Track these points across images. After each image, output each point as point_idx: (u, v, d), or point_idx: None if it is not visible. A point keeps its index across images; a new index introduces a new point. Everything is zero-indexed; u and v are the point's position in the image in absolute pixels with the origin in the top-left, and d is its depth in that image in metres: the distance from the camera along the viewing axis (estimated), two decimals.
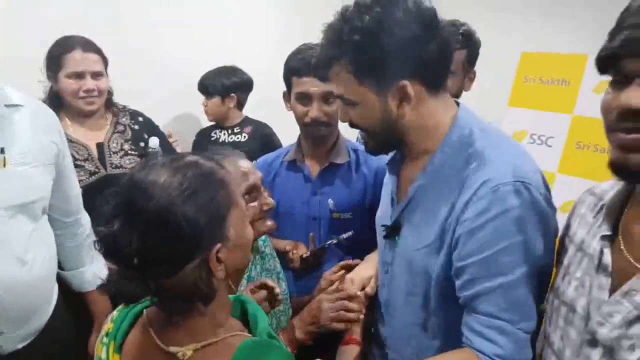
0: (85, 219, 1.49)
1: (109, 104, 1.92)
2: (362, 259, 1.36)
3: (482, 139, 0.94)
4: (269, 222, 1.23)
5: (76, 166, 1.67)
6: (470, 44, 1.76)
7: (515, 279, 0.86)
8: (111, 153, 1.84)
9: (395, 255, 1.05)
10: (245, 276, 1.25)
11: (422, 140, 0.98)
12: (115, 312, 0.89)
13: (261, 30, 2.96)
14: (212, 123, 2.60)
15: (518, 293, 0.86)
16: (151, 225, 0.71)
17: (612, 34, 0.66)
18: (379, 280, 1.18)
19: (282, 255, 1.52)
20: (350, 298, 1.16)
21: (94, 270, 1.47)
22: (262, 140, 2.49)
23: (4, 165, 1.17)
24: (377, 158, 1.52)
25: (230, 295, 0.91)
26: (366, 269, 1.26)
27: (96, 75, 1.78)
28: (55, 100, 1.78)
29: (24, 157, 1.22)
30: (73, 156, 1.71)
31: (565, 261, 0.83)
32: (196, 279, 0.75)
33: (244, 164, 1.19)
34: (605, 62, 0.67)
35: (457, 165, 0.93)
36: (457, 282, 0.91)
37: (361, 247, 1.54)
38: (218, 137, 2.54)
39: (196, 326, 0.79)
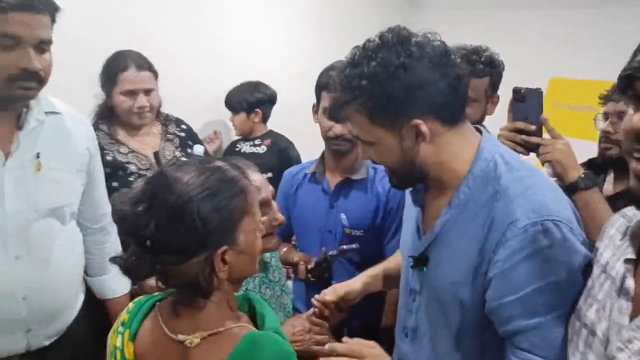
0: (113, 228, 1.50)
1: (157, 114, 2.02)
2: None
3: (506, 175, 0.93)
4: (275, 240, 1.27)
5: (140, 176, 1.79)
6: (493, 70, 1.76)
7: (550, 319, 0.87)
8: (167, 161, 1.93)
9: (424, 285, 1.06)
10: (243, 288, 1.26)
11: (444, 175, 0.98)
12: (131, 304, 0.95)
13: (286, 42, 3.05)
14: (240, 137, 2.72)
15: (554, 332, 0.87)
16: (168, 216, 0.79)
17: (634, 55, 0.67)
18: (401, 304, 1.18)
19: (292, 266, 1.57)
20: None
21: (115, 279, 1.50)
22: (279, 153, 2.58)
23: (39, 169, 1.23)
24: None
25: (237, 294, 0.97)
26: (345, 286, 1.30)
27: (148, 92, 1.88)
28: (109, 113, 1.90)
29: (58, 162, 1.28)
30: (136, 166, 1.84)
31: (589, 282, 0.82)
32: (198, 273, 0.82)
33: (257, 177, 1.21)
34: (624, 82, 0.67)
35: (483, 200, 0.94)
36: (494, 319, 0.93)
37: (370, 263, 1.58)
38: (240, 148, 2.64)
39: (202, 317, 0.85)
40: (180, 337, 0.84)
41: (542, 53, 3.19)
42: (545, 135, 1.28)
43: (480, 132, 1.03)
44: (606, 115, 1.44)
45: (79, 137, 1.36)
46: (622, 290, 0.72)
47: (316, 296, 1.29)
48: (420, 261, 1.05)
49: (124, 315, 0.94)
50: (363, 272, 1.35)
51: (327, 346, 1.08)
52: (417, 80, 0.90)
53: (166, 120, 2.05)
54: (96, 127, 1.86)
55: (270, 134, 2.69)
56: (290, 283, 1.65)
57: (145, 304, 0.94)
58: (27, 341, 1.27)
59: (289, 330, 1.20)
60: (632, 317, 0.69)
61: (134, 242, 0.83)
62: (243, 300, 0.98)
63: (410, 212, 1.15)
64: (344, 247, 1.47)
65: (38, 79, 1.16)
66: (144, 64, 1.90)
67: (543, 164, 1.27)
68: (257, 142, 2.66)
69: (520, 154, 1.23)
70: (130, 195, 0.84)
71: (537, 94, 1.28)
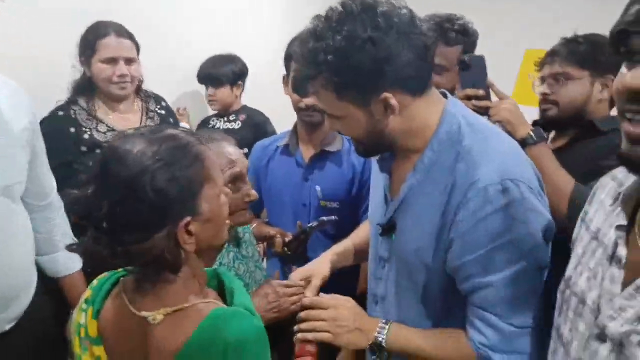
0: (58, 203, 1.47)
1: (138, 90, 1.94)
2: None
3: (469, 136, 0.94)
4: (248, 215, 1.24)
5: None
6: (466, 39, 1.72)
7: (506, 277, 0.89)
8: None
9: (392, 252, 1.07)
10: (217, 263, 1.24)
11: (410, 141, 0.98)
12: (95, 281, 0.91)
13: (258, 17, 2.97)
14: (215, 112, 2.62)
15: (509, 290, 0.90)
16: (121, 192, 0.74)
17: (627, 9, 0.63)
18: (370, 272, 1.19)
19: (267, 240, 1.55)
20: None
21: (67, 255, 1.40)
22: (255, 128, 2.50)
23: None
24: None
25: (207, 268, 0.93)
26: (308, 268, 1.27)
27: (129, 61, 1.79)
28: (88, 86, 1.81)
29: (3, 138, 1.21)
30: None
31: (579, 250, 0.80)
32: (163, 248, 0.77)
33: (232, 150, 1.20)
34: (617, 38, 0.63)
35: (446, 163, 0.94)
36: (456, 278, 0.96)
37: (346, 235, 1.59)
38: (214, 124, 2.56)
39: (167, 293, 0.81)
40: (144, 313, 0.81)
41: (518, 23, 3.18)
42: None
43: (445, 96, 1.02)
44: (542, 79, 1.49)
45: (21, 111, 1.28)
46: (613, 258, 0.70)
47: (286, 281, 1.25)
48: (387, 228, 1.05)
49: (87, 292, 0.90)
50: (329, 250, 1.32)
51: (304, 299, 1.11)
52: (385, 54, 0.86)
53: (146, 97, 1.97)
54: (74, 101, 1.79)
55: (245, 108, 2.61)
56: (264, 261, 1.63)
57: (108, 280, 0.91)
58: None
59: (262, 299, 1.18)
60: (624, 285, 0.67)
61: (90, 225, 0.78)
62: (212, 275, 0.94)
63: (377, 180, 1.14)
64: (324, 218, 1.45)
65: None
66: (125, 33, 1.82)
67: (494, 124, 1.30)
68: (231, 117, 2.58)
69: None
70: (81, 177, 0.79)
71: (480, 60, 1.35)
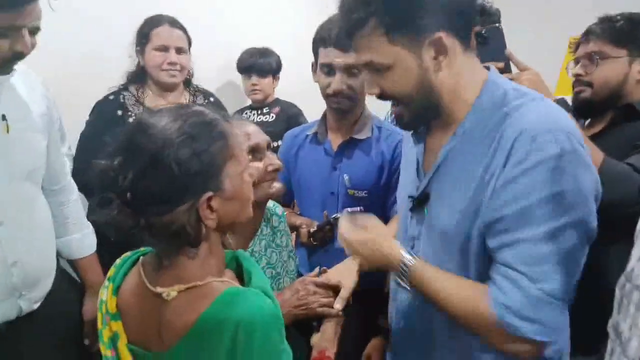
0: (71, 186, 1.49)
1: (187, 84, 2.02)
2: None
3: (517, 98, 0.89)
4: (277, 184, 1.22)
5: None
6: (485, 18, 1.65)
7: (544, 233, 0.81)
8: None
9: (424, 228, 1.01)
10: (249, 250, 1.24)
11: (454, 104, 0.93)
12: (118, 260, 0.92)
13: (292, 13, 2.96)
14: (249, 104, 2.63)
15: (545, 249, 0.81)
16: (146, 164, 0.75)
17: None
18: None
19: (294, 230, 1.53)
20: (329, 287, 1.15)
21: (82, 238, 1.48)
22: (288, 120, 2.49)
23: (7, 131, 1.19)
24: (398, 135, 1.51)
25: (227, 251, 0.93)
26: (341, 273, 1.21)
27: (180, 50, 1.88)
28: (141, 75, 1.90)
29: (24, 123, 1.24)
30: None
31: None
32: (184, 222, 0.77)
33: (249, 127, 1.21)
34: None
35: (491, 124, 0.89)
36: (489, 233, 0.87)
37: None
38: (248, 116, 2.57)
39: (184, 270, 0.82)
40: (159, 289, 0.81)
41: (561, 11, 3.03)
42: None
43: (487, 68, 0.98)
44: (577, 61, 1.41)
45: (38, 96, 1.31)
46: None
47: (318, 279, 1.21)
48: (420, 201, 1.00)
49: (111, 270, 0.92)
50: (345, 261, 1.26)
51: (332, 312, 1.09)
52: None
53: (195, 92, 2.04)
54: (125, 88, 1.89)
55: (278, 101, 2.61)
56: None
57: (130, 258, 0.92)
58: (18, 306, 1.26)
59: (293, 295, 1.17)
60: None
61: (115, 196, 0.78)
62: (231, 258, 0.94)
63: (409, 158, 1.10)
64: (348, 209, 1.42)
65: (24, 56, 1.13)
66: (178, 24, 1.91)
67: None
68: (265, 110, 2.59)
69: None
70: (108, 149, 0.80)
71: (497, 31, 1.27)
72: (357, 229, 1.05)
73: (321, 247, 1.50)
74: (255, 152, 1.19)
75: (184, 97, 1.99)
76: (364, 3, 0.87)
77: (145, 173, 0.75)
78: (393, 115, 1.04)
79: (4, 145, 1.19)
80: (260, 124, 2.48)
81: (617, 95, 1.33)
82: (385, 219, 1.47)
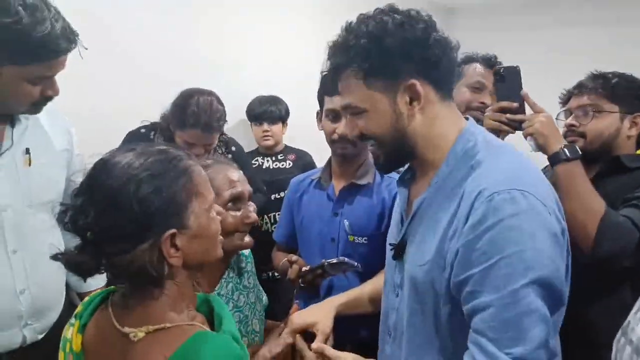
0: None
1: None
2: None
3: (484, 150, 0.90)
4: (248, 239, 1.18)
5: None
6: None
7: (506, 296, 0.78)
8: None
9: (404, 275, 0.99)
10: (215, 292, 1.18)
11: (428, 153, 0.94)
12: (87, 297, 0.88)
13: (306, 56, 3.02)
14: (255, 149, 2.63)
15: (509, 313, 0.77)
16: (106, 202, 0.73)
17: None
18: (384, 306, 1.11)
19: (281, 269, 1.46)
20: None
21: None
22: (305, 167, 2.46)
23: (29, 165, 1.23)
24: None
25: (198, 294, 0.89)
26: (311, 314, 1.20)
27: (207, 145, 1.77)
28: (167, 131, 1.81)
29: (46, 158, 1.28)
30: None
31: None
32: (145, 261, 0.74)
33: (235, 173, 1.18)
34: None
35: (459, 176, 0.89)
36: (461, 299, 0.84)
37: (374, 274, 1.46)
38: (261, 163, 2.56)
39: (153, 311, 0.77)
40: (126, 329, 0.76)
41: (583, 53, 2.96)
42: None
43: (467, 119, 0.99)
44: (568, 112, 1.45)
45: (61, 133, 1.36)
46: None
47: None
48: (399, 249, 1.00)
49: (79, 307, 0.87)
50: (336, 298, 1.26)
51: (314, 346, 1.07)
52: (414, 38, 0.88)
53: (219, 142, 1.96)
54: (155, 128, 1.88)
55: (290, 148, 2.62)
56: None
57: (99, 295, 0.87)
58: (22, 335, 1.24)
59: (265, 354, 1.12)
60: None
61: (77, 236, 0.77)
62: (203, 300, 0.89)
63: (397, 208, 1.08)
64: (345, 259, 1.34)
65: (51, 100, 1.20)
66: (213, 126, 1.72)
67: (526, 138, 1.27)
68: (280, 157, 2.59)
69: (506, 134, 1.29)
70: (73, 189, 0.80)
71: (514, 72, 1.29)
72: None
73: (307, 292, 1.42)
74: (236, 200, 1.16)
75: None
76: (343, 50, 0.91)
77: (105, 211, 0.73)
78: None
79: (25, 177, 1.22)
80: (277, 171, 2.52)
81: (608, 148, 1.37)
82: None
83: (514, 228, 0.78)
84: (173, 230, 0.75)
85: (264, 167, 2.55)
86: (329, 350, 1.04)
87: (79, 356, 0.81)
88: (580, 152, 1.23)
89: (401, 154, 0.97)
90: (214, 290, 1.18)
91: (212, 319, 0.86)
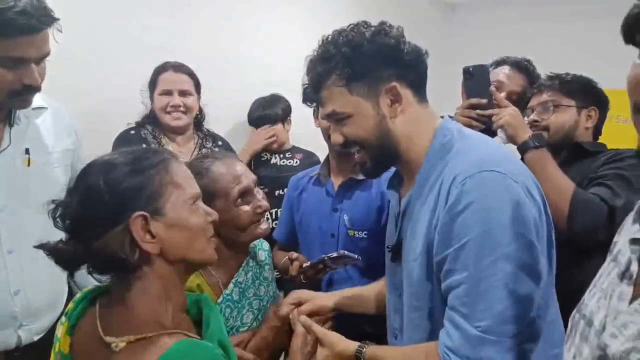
0: None
1: (198, 127, 2.00)
2: None
3: (459, 142, 0.93)
4: (264, 225, 1.19)
5: None
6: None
7: (476, 272, 0.80)
8: None
9: (403, 274, 0.99)
10: (233, 281, 1.19)
11: (411, 151, 0.96)
12: (79, 294, 0.86)
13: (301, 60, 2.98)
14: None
15: (479, 288, 0.80)
16: (83, 190, 0.75)
17: None
18: (388, 307, 1.11)
19: (282, 267, 1.44)
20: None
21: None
22: (311, 167, 2.44)
23: (28, 165, 1.20)
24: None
25: (189, 294, 0.86)
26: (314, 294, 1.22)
27: (183, 93, 1.86)
28: (153, 119, 1.90)
29: (47, 157, 1.25)
30: None
31: (598, 273, 0.72)
32: (119, 245, 0.73)
33: (237, 167, 1.18)
34: (633, 24, 0.55)
35: (438, 169, 0.91)
36: (441, 276, 0.87)
37: (375, 269, 1.41)
38: (268, 158, 2.52)
39: (136, 313, 0.75)
40: (108, 339, 0.74)
41: (598, 63, 2.88)
42: None
43: (442, 117, 1.01)
44: (530, 110, 1.53)
45: (64, 132, 1.32)
46: (625, 275, 0.61)
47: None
48: (396, 250, 1.01)
49: (70, 305, 0.86)
50: (339, 291, 1.27)
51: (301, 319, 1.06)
52: (393, 43, 0.92)
53: (205, 136, 2.02)
54: (142, 125, 1.90)
55: (297, 149, 2.57)
56: None
57: (90, 294, 0.85)
58: (17, 336, 1.22)
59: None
60: (632, 302, 0.58)
61: (63, 229, 0.78)
62: (193, 302, 0.86)
63: (391, 209, 1.10)
64: (345, 252, 1.31)
65: (36, 90, 1.14)
66: (183, 68, 1.90)
67: (496, 131, 1.34)
68: (288, 155, 2.54)
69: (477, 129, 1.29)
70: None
71: (483, 69, 1.35)
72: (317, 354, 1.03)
73: (308, 288, 1.37)
74: (244, 195, 1.17)
75: (193, 141, 1.96)
76: (324, 60, 0.94)
77: (82, 198, 0.75)
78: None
79: (24, 178, 1.20)
80: (285, 168, 2.48)
81: (569, 139, 1.46)
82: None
83: (483, 208, 0.80)
84: (142, 212, 0.74)
85: (271, 162, 2.51)
86: (315, 327, 1.04)
87: (67, 358, 0.79)
88: (546, 140, 1.32)
89: (386, 156, 0.98)
90: (231, 279, 1.19)
91: (201, 319, 0.83)
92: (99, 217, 0.74)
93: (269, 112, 2.46)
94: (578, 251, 1.24)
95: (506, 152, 0.93)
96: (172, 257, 0.78)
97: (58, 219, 0.77)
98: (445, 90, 2.05)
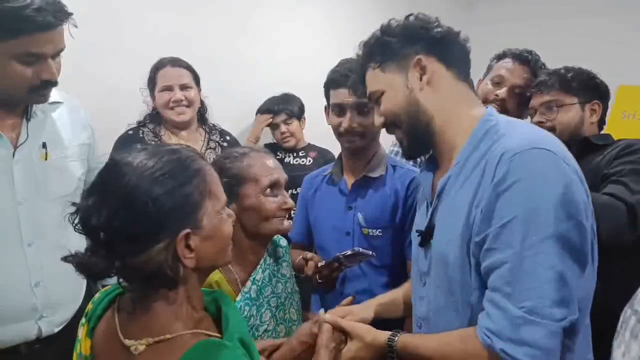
0: None
1: (203, 121, 1.99)
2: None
3: (506, 126, 0.90)
4: (287, 222, 1.19)
5: None
6: (530, 57, 1.66)
7: (522, 251, 0.76)
8: None
9: (432, 259, 0.97)
10: (251, 278, 1.18)
11: (449, 129, 0.96)
12: (97, 294, 0.87)
13: (329, 55, 2.96)
14: (273, 142, 2.58)
15: (525, 267, 0.76)
16: (119, 202, 0.70)
17: None
18: (413, 298, 1.10)
19: (297, 267, 1.43)
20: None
21: None
22: (325, 165, 2.43)
23: (46, 159, 1.22)
24: (412, 172, 1.43)
25: (205, 290, 0.86)
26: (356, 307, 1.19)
27: (184, 87, 1.85)
28: (156, 116, 1.90)
29: (63, 151, 1.27)
30: None
31: None
32: (161, 262, 0.71)
33: (270, 161, 1.19)
34: None
35: (483, 151, 0.89)
36: (481, 260, 0.83)
37: (390, 268, 1.41)
38: (282, 157, 2.52)
39: (157, 317, 0.75)
40: (127, 342, 0.74)
41: (610, 60, 2.82)
42: None
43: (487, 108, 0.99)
44: (532, 111, 1.52)
45: (80, 126, 1.34)
46: None
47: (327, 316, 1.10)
48: (427, 234, 0.99)
49: (89, 305, 0.86)
50: (375, 298, 1.23)
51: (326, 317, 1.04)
52: (419, 23, 1.00)
53: (211, 130, 2.01)
54: (143, 124, 1.89)
55: (311, 146, 2.57)
56: None
57: (109, 295, 0.85)
58: (37, 328, 1.23)
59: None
60: None
61: (89, 237, 0.74)
62: (211, 300, 0.86)
63: (421, 198, 1.10)
64: (360, 249, 1.30)
65: (54, 85, 1.16)
66: (180, 63, 1.88)
67: None
68: (301, 153, 2.54)
69: None
70: (84, 189, 0.77)
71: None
72: (348, 347, 1.02)
73: (324, 287, 1.38)
74: (274, 187, 1.18)
75: (199, 134, 1.95)
76: (366, 52, 1.05)
77: (119, 212, 0.70)
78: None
79: (41, 172, 1.22)
80: (298, 167, 2.47)
81: (576, 136, 1.45)
82: (402, 261, 1.35)
83: (532, 186, 0.77)
84: (188, 230, 0.73)
85: (284, 161, 2.51)
86: (341, 321, 1.03)
87: None
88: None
89: (421, 132, 0.98)
90: (249, 276, 1.18)
91: (220, 317, 0.82)
92: (140, 234, 0.71)
93: (283, 107, 2.46)
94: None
95: (553, 137, 0.90)
96: (203, 266, 0.77)
97: (80, 224, 0.74)
98: None
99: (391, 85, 1.00)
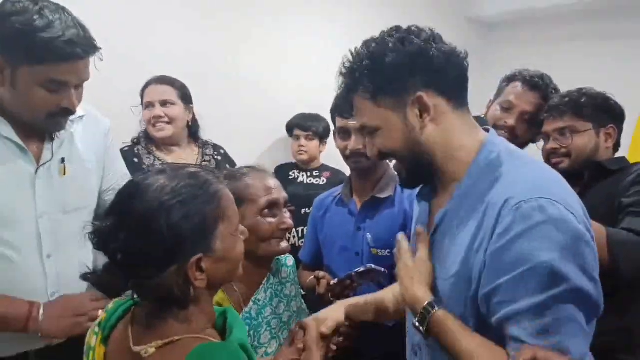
0: None
1: (194, 137, 2.02)
2: None
3: (508, 162, 0.87)
4: (284, 244, 1.19)
5: None
6: (542, 83, 1.63)
7: (541, 302, 0.75)
8: None
9: None
10: (253, 299, 1.19)
11: (450, 163, 0.91)
12: (111, 304, 0.90)
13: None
14: (292, 162, 2.64)
15: (547, 318, 0.75)
16: (138, 226, 0.73)
17: None
18: (408, 324, 1.07)
19: (308, 286, 1.44)
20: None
21: None
22: (338, 185, 2.46)
23: (64, 174, 1.26)
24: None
25: (217, 307, 0.88)
26: (327, 311, 1.17)
27: (165, 103, 1.87)
28: (146, 134, 1.94)
29: (82, 165, 1.30)
30: None
31: None
32: (172, 284, 0.74)
33: (272, 181, 1.20)
34: None
35: (482, 189, 0.85)
36: (489, 309, 0.81)
37: None
38: (296, 177, 2.57)
39: (170, 331, 0.77)
40: (137, 348, 0.76)
41: (633, 85, 2.81)
42: None
43: (487, 131, 0.96)
44: (547, 136, 1.49)
45: (99, 138, 1.37)
46: None
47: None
48: None
49: (102, 314, 0.89)
50: (345, 300, 1.22)
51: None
52: (415, 51, 0.87)
53: (204, 145, 2.05)
54: (137, 142, 1.93)
55: (325, 167, 2.61)
56: None
57: (122, 306, 0.88)
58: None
59: None
60: None
61: (107, 255, 0.77)
62: (220, 314, 0.88)
63: (416, 221, 1.06)
64: (372, 266, 1.31)
65: (71, 114, 1.20)
66: (166, 80, 1.92)
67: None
68: (315, 173, 2.59)
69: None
70: (103, 209, 0.80)
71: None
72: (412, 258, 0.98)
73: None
74: (272, 207, 1.18)
75: (191, 150, 1.98)
76: (350, 74, 0.92)
77: (136, 235, 0.73)
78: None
79: (60, 186, 1.25)
80: (311, 186, 2.51)
81: (592, 160, 1.42)
82: None
83: (544, 236, 0.75)
84: (200, 255, 0.75)
85: (298, 180, 2.56)
86: (323, 328, 1.06)
87: None
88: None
89: (422, 168, 0.94)
90: (252, 295, 1.19)
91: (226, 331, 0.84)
92: (157, 258, 0.73)
93: (309, 125, 2.53)
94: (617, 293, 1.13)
95: (559, 177, 0.88)
96: (213, 286, 0.80)
97: (99, 244, 0.76)
98: (481, 107, 2.05)
99: (388, 122, 0.90)
